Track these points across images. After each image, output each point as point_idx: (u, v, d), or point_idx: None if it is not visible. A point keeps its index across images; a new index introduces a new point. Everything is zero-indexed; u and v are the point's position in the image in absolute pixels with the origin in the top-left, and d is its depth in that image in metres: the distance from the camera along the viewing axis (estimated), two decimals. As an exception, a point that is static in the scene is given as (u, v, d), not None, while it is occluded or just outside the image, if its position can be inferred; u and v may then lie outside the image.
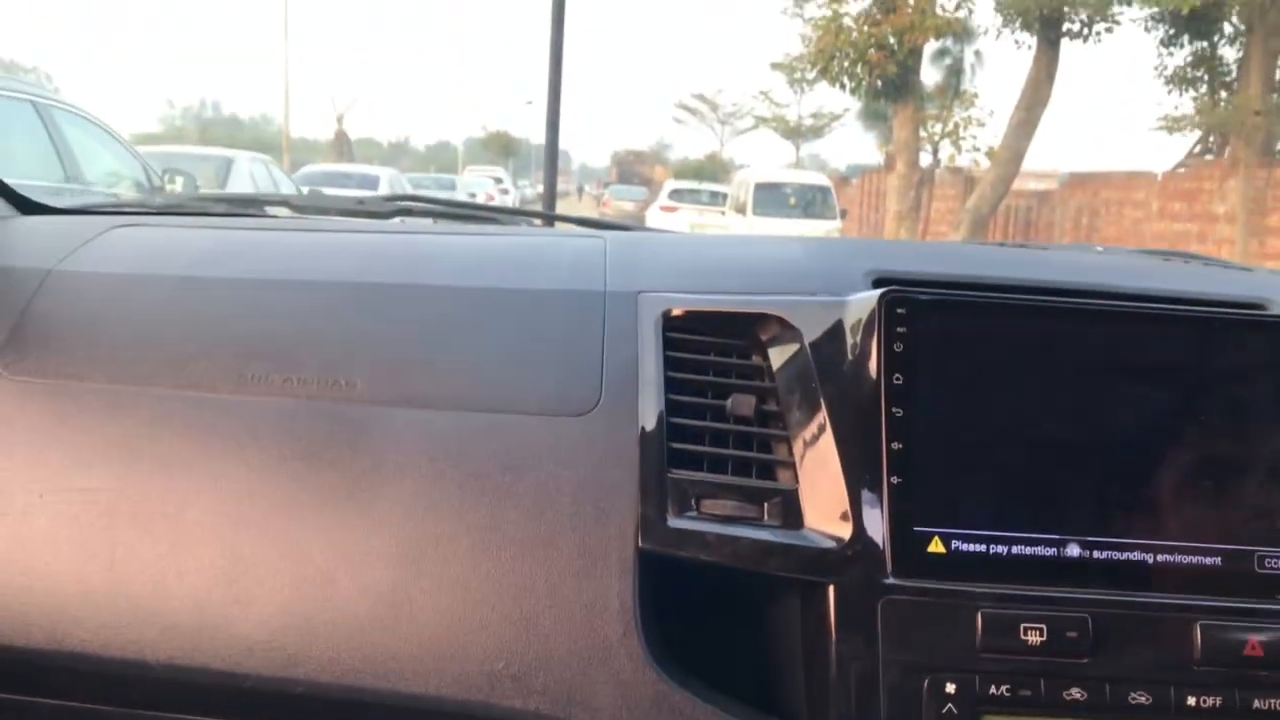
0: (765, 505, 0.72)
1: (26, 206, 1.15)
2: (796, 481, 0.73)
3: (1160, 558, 0.69)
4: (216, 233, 1.02)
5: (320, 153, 31.13)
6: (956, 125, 13.38)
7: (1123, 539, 0.69)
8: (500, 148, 49.33)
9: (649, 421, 0.75)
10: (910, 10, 12.42)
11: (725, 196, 14.72)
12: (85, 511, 0.73)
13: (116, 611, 0.71)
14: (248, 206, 1.29)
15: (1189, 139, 13.21)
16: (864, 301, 0.76)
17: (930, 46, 13.05)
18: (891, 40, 12.42)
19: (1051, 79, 12.10)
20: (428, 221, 1.32)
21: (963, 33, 12.98)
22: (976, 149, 13.35)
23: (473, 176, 28.20)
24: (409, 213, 1.28)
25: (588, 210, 25.61)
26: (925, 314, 0.72)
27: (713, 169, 31.68)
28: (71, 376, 0.79)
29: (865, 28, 12.69)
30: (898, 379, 0.71)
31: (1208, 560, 0.69)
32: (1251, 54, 11.75)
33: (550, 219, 1.40)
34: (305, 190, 9.90)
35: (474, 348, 0.81)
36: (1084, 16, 11.72)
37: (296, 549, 0.71)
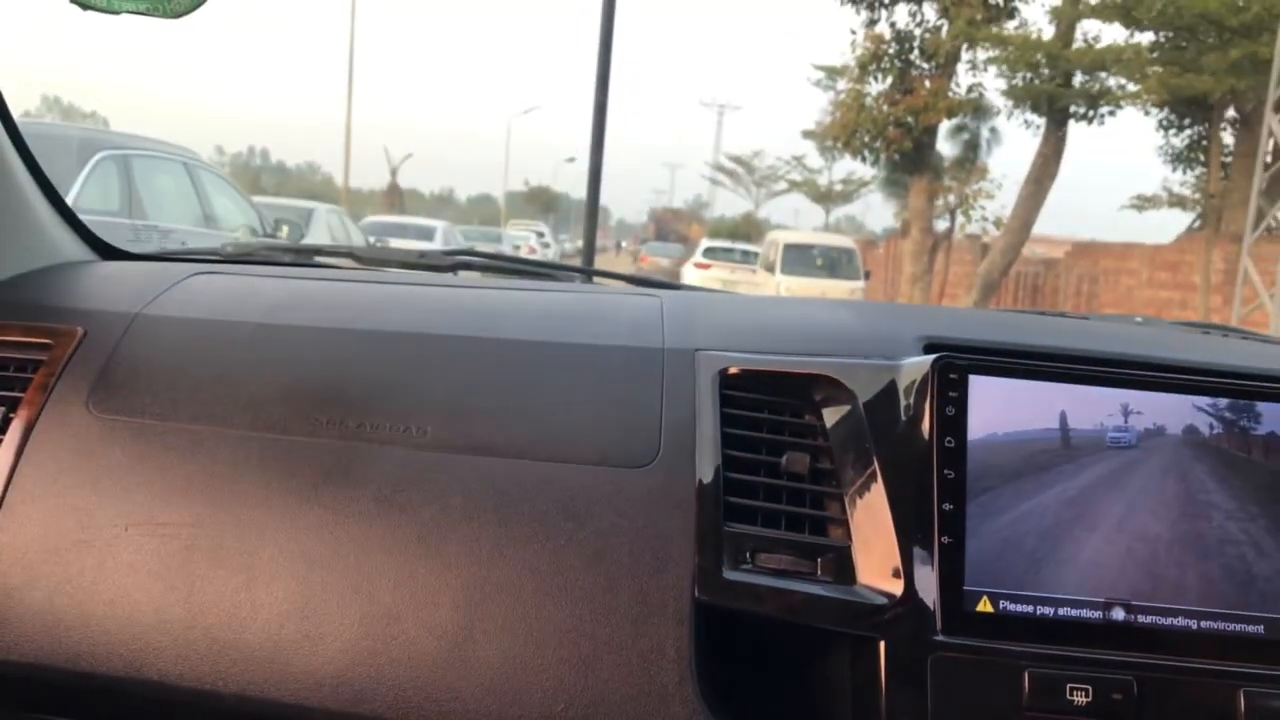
0: (818, 561, 0.72)
1: (107, 252, 1.19)
2: (849, 538, 0.73)
3: (1204, 624, 0.68)
4: (289, 282, 1.04)
5: (371, 203, 32.01)
6: (967, 196, 13.88)
7: (1167, 604, 0.68)
8: (541, 202, 50.34)
9: (706, 475, 0.75)
10: (926, 93, 12.97)
11: (757, 256, 14.89)
12: (166, 545, 0.73)
13: (192, 642, 0.70)
14: (313, 256, 1.33)
15: (1189, 214, 14.06)
16: (917, 366, 0.76)
17: (947, 123, 13.54)
18: (909, 119, 12.98)
19: (1059, 156, 12.51)
20: (481, 275, 1.35)
21: (974, 112, 13.54)
22: (985, 219, 13.88)
23: (516, 230, 28.67)
24: (467, 266, 1.32)
25: (624, 265, 26.01)
26: (977, 379, 0.73)
27: (747, 229, 31.67)
28: (156, 416, 0.80)
29: (884, 107, 13.25)
30: (949, 442, 0.71)
31: (1250, 628, 0.68)
32: (1214, 139, 12.41)
33: (601, 275, 1.46)
34: (371, 238, 11.03)
35: (538, 399, 0.82)
36: (1086, 100, 12.25)
37: (366, 588, 0.71)
